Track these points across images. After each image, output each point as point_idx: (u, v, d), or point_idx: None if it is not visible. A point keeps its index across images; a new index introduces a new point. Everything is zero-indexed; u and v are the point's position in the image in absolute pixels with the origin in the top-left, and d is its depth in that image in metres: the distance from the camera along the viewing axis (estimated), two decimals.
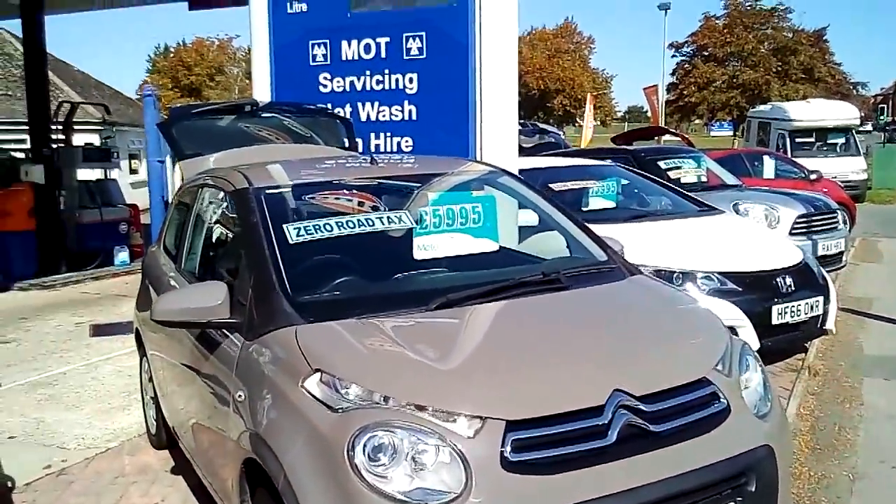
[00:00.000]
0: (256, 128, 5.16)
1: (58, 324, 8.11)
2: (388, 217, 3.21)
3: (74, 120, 12.39)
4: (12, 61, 22.27)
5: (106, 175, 13.07)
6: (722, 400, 2.45)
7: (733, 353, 2.65)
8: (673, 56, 46.08)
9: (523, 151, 11.32)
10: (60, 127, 11.80)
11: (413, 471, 2.10)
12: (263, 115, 5.26)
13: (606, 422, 2.23)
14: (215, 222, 3.60)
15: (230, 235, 3.44)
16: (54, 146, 11.29)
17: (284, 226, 2.97)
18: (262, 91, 5.84)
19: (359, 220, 3.10)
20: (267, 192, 3.24)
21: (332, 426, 2.19)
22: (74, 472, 4.19)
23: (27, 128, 11.92)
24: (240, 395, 2.62)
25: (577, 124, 42.85)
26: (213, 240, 3.61)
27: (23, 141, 13.94)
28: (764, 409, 2.59)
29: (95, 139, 17.42)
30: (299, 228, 2.97)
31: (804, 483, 3.85)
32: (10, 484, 4.01)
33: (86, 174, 12.30)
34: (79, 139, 14.00)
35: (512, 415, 2.17)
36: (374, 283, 3.09)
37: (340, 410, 2.23)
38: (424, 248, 3.17)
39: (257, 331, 2.66)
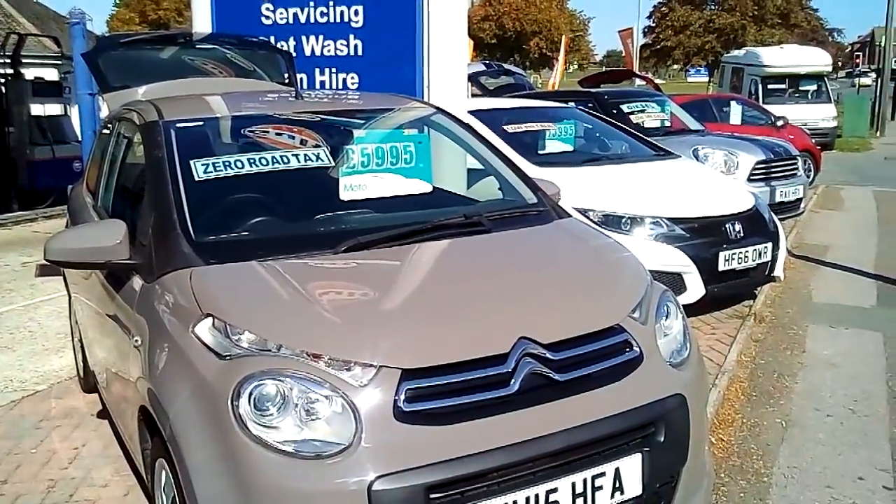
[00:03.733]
0: (198, 60, 4.93)
1: (5, 263, 7.91)
2: (306, 154, 3.05)
3: (31, 52, 11.92)
4: None
5: (65, 111, 12.61)
6: (634, 348, 2.37)
7: (652, 299, 2.57)
8: None
9: (486, 93, 11.18)
10: (8, 60, 11.31)
11: (302, 421, 2.00)
12: (203, 46, 5.03)
13: (510, 370, 2.14)
14: (126, 157, 3.42)
15: (139, 171, 3.26)
16: (1, 80, 10.85)
17: (191, 162, 2.81)
18: (202, 22, 5.58)
19: (273, 157, 2.94)
20: (178, 125, 3.06)
21: (218, 374, 2.08)
22: None
23: None
24: (136, 340, 2.50)
25: (553, 67, 42.31)
26: (125, 176, 3.43)
27: None
28: (679, 357, 2.51)
29: (54, 74, 16.84)
30: (207, 165, 2.81)
31: (735, 430, 3.85)
32: None
33: (38, 110, 11.87)
34: (39, 73, 13.53)
35: (407, 363, 2.07)
36: (287, 225, 2.95)
37: (228, 357, 2.12)
38: (351, 188, 3.03)
39: (155, 272, 2.52)
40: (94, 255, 2.62)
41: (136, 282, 2.66)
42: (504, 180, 3.42)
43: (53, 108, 12.30)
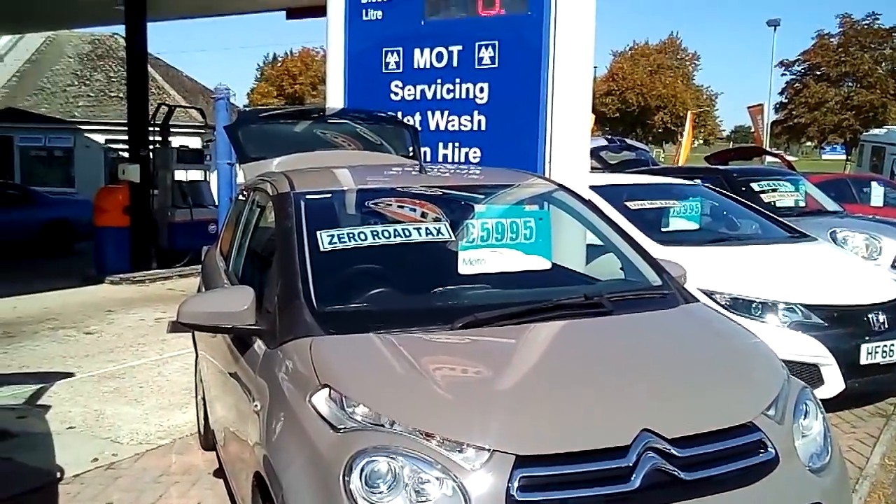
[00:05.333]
0: (329, 134, 5.16)
1: (140, 318, 8.38)
2: (428, 229, 3.07)
3: (178, 123, 12.90)
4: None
5: (205, 177, 13.49)
6: (769, 449, 2.19)
7: (789, 396, 2.38)
8: (783, 75, 44.15)
9: (608, 167, 11.08)
10: (158, 129, 12.25)
11: (412, 502, 1.95)
12: (334, 121, 5.26)
13: (630, 465, 2.02)
14: (259, 226, 3.57)
15: (270, 241, 3.39)
16: (151, 147, 11.74)
17: (318, 232, 2.89)
18: (335, 98, 5.84)
19: (395, 230, 2.98)
20: (307, 197, 3.17)
21: (332, 447, 2.07)
22: (122, 467, 4.25)
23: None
24: (256, 405, 2.54)
25: (677, 142, 41.69)
26: (256, 243, 3.57)
27: None
28: (820, 462, 2.30)
29: (197, 142, 18.15)
30: (333, 236, 2.88)
31: None
32: (58, 474, 4.08)
33: (180, 175, 12.75)
34: (184, 141, 14.61)
35: (523, 449, 1.99)
36: (405, 297, 2.97)
37: (343, 430, 2.11)
38: (471, 262, 3.02)
39: (278, 339, 2.57)
40: (223, 319, 2.70)
41: (260, 346, 2.72)
42: (626, 260, 3.32)
43: (194, 174, 13.18)
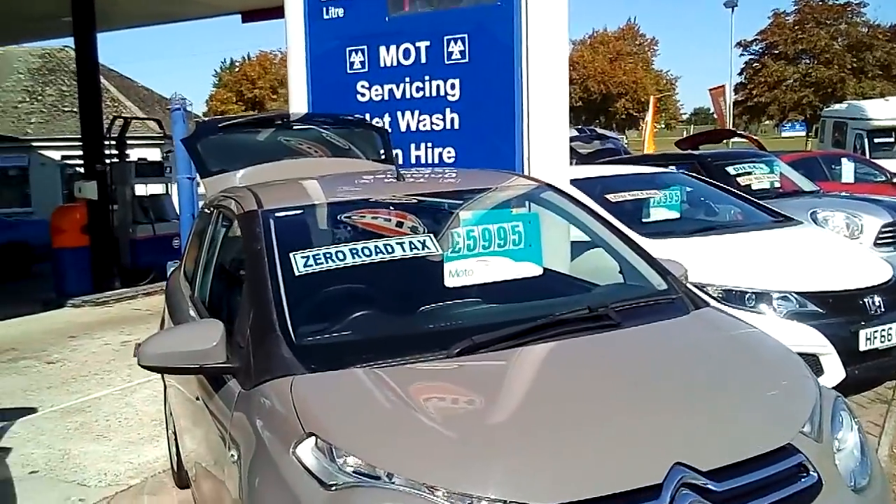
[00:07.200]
0: (294, 141, 4.86)
1: (105, 342, 8.01)
2: (412, 242, 2.80)
3: (135, 135, 12.43)
4: None
5: (167, 190, 13.02)
6: (811, 472, 1.96)
7: (824, 409, 2.16)
8: (741, 55, 44.55)
9: (580, 158, 10.89)
10: (114, 142, 11.79)
11: None
12: (299, 127, 4.97)
13: None
14: (225, 246, 3.27)
15: (238, 263, 3.10)
16: (108, 162, 11.28)
17: (291, 255, 2.60)
18: (298, 102, 5.54)
19: (376, 247, 2.70)
20: (277, 214, 2.88)
21: None
22: None
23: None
24: (233, 455, 2.26)
25: (640, 128, 41.80)
26: (223, 266, 3.27)
27: None
28: (862, 480, 2.09)
29: (156, 154, 17.61)
30: (307, 258, 2.59)
31: None
32: None
33: (140, 190, 12.30)
34: (143, 154, 14.12)
35: (542, 498, 1.73)
36: (393, 320, 2.70)
37: (335, 488, 1.83)
38: (457, 273, 2.76)
39: (254, 379, 2.29)
40: (190, 359, 2.40)
41: (234, 385, 2.44)
42: (625, 262, 3.09)
43: (155, 188, 12.72)
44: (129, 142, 12.55)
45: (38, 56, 24.17)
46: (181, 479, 4.05)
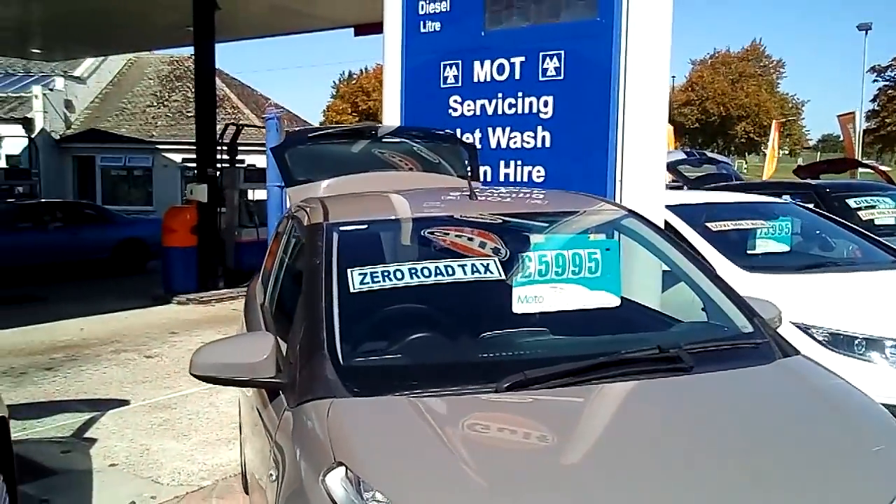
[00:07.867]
0: (385, 154, 4.84)
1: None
2: (475, 265, 2.67)
3: (247, 141, 12.90)
4: None
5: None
6: None
7: None
8: (874, 81, 42.01)
9: (686, 182, 10.45)
10: (226, 148, 12.26)
11: None
12: (389, 139, 4.94)
13: None
14: (293, 258, 3.24)
15: (301, 276, 3.05)
16: (218, 166, 11.73)
17: (349, 270, 2.53)
18: (391, 115, 5.53)
19: (437, 268, 2.59)
20: (341, 228, 2.81)
21: None
22: None
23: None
24: (272, 473, 2.20)
25: (761, 153, 40.05)
26: (289, 279, 3.24)
27: None
28: None
29: (263, 160, 18.22)
30: (364, 275, 2.50)
31: None
32: None
33: (248, 194, 12.72)
34: (256, 160, 14.65)
35: None
36: (446, 346, 2.57)
37: None
38: (525, 300, 2.61)
39: (298, 398, 2.22)
40: (239, 371, 2.36)
41: (283, 401, 2.38)
42: (709, 299, 2.85)
43: (261, 193, 13.15)
44: (240, 148, 13.02)
45: (167, 63, 25.66)
46: (246, 485, 4.06)
